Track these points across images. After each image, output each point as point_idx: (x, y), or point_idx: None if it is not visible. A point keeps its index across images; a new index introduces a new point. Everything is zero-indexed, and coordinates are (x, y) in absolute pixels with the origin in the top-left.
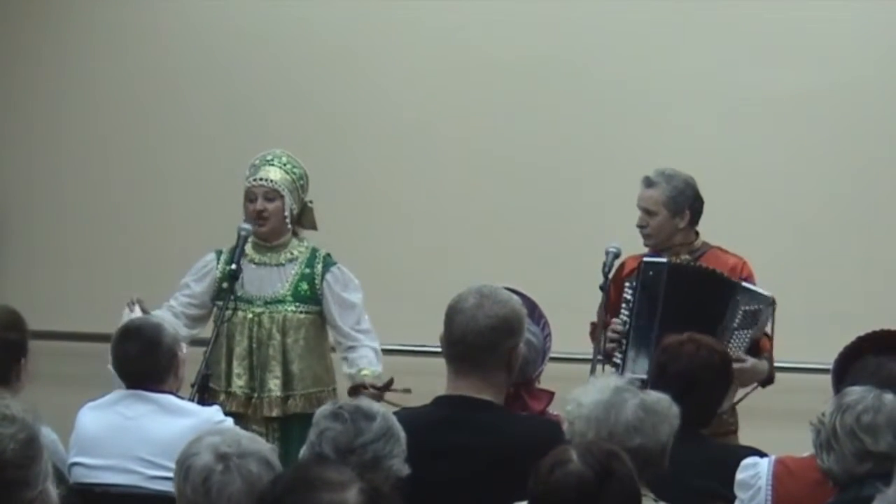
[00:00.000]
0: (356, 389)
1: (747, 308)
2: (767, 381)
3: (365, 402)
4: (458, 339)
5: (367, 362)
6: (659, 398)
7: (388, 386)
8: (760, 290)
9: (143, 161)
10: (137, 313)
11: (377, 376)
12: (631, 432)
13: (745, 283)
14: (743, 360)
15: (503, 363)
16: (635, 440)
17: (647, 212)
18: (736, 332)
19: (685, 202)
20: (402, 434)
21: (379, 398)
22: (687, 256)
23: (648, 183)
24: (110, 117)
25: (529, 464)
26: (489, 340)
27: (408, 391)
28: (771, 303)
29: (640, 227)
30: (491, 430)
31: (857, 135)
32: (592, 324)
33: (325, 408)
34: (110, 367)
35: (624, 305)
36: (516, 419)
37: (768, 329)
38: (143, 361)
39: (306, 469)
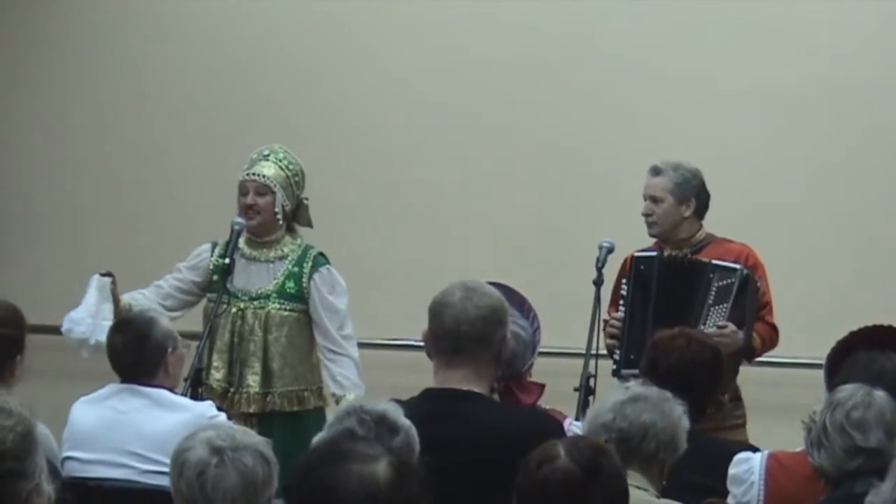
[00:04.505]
0: None
1: (720, 284)
2: (749, 353)
3: (391, 411)
4: (450, 332)
5: (350, 385)
6: (652, 392)
7: None
8: (729, 264)
9: (142, 156)
10: (102, 284)
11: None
12: (608, 411)
13: (714, 261)
14: (723, 327)
15: (494, 354)
16: (607, 416)
17: (654, 199)
18: (712, 308)
19: (691, 190)
20: (418, 446)
21: None
22: (688, 250)
23: (655, 171)
24: (111, 112)
25: (521, 455)
26: (482, 331)
27: None
28: (742, 274)
29: (646, 215)
30: (481, 421)
31: (852, 130)
32: (605, 321)
33: (350, 406)
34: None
35: (622, 301)
36: (507, 410)
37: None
38: (130, 354)
39: (339, 443)
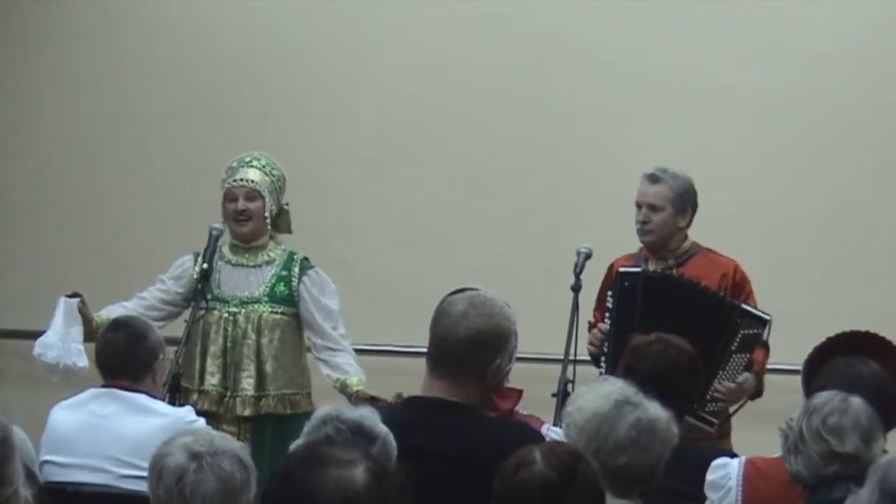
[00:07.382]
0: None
1: (747, 332)
2: (756, 394)
3: (368, 419)
4: (437, 342)
5: (354, 371)
6: (658, 417)
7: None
8: (760, 313)
9: (120, 160)
10: (68, 306)
11: (366, 385)
12: (619, 452)
13: (744, 306)
14: (740, 382)
15: (477, 375)
16: (621, 459)
17: (653, 207)
18: (734, 356)
19: (689, 200)
20: (395, 454)
21: None
22: (672, 262)
23: (653, 179)
24: (92, 116)
25: (497, 465)
26: (464, 351)
27: None
28: (770, 325)
29: (642, 222)
30: (462, 432)
31: (828, 136)
32: (590, 322)
33: (328, 412)
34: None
35: (607, 313)
36: (488, 422)
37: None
38: (122, 354)
39: (317, 448)
